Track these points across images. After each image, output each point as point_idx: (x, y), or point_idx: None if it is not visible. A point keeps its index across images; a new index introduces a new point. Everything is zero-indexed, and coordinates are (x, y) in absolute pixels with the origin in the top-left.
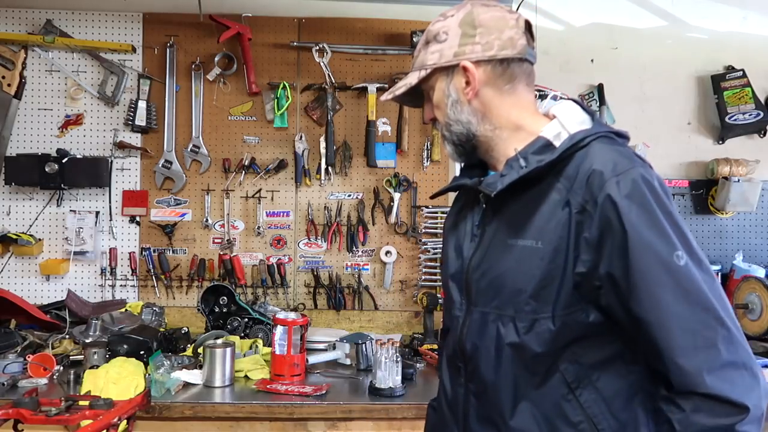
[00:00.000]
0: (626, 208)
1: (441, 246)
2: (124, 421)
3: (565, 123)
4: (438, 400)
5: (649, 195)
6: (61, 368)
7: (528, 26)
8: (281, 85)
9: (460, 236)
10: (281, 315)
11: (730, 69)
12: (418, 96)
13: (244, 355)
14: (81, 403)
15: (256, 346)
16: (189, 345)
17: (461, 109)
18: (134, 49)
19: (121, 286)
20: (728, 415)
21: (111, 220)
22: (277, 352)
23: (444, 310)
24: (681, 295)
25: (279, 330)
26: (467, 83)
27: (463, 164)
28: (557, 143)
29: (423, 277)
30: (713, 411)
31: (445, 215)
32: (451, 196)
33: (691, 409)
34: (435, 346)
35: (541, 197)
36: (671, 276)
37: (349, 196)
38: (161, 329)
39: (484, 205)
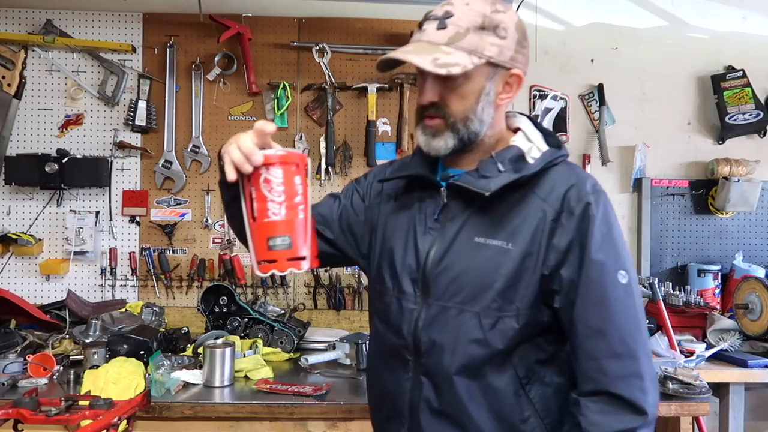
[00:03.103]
0: (597, 222)
1: None
2: (124, 421)
3: (533, 139)
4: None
5: (611, 217)
6: (61, 368)
7: None
8: (281, 85)
9: (408, 227)
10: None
11: (730, 69)
12: (395, 63)
13: (244, 355)
14: (81, 403)
15: (256, 346)
16: (189, 345)
17: (488, 111)
18: (134, 49)
19: (121, 286)
20: (631, 416)
21: (111, 220)
22: (277, 219)
23: (377, 297)
24: (621, 308)
25: (277, 171)
26: (505, 89)
27: (417, 153)
28: (530, 156)
29: None
30: (618, 413)
31: None
32: None
33: (598, 410)
34: None
35: (515, 203)
36: (616, 291)
37: None
38: (161, 329)
39: (445, 200)
